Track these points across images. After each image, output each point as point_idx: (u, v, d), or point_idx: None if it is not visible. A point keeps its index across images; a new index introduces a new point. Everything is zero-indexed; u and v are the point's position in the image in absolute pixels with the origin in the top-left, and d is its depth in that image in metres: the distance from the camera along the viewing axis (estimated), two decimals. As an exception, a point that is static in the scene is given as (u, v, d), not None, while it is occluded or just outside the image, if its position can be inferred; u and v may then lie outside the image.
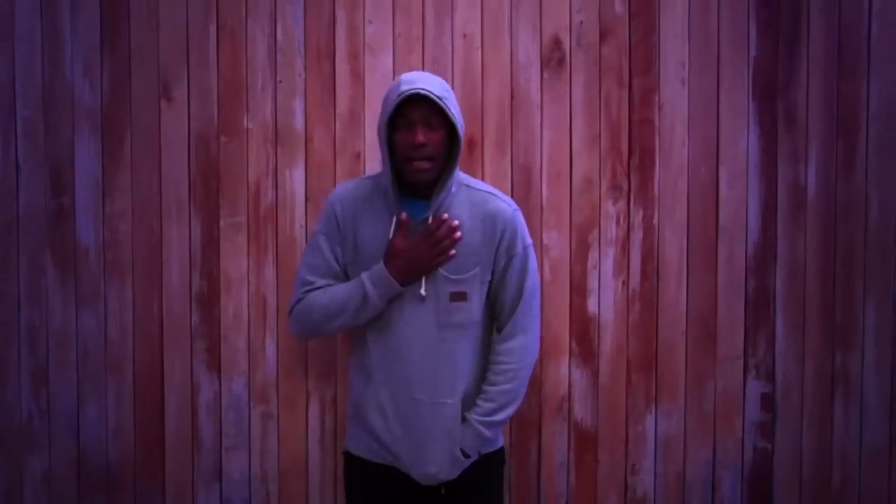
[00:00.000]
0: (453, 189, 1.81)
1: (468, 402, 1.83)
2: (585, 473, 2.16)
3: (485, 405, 1.81)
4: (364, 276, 1.78)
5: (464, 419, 1.81)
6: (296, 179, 2.11)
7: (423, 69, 2.10)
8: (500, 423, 1.84)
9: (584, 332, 2.15)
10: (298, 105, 2.11)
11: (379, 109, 2.11)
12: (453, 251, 1.78)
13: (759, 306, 2.16)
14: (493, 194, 1.86)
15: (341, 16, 2.11)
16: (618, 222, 2.14)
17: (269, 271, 2.11)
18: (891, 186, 2.17)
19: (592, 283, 2.15)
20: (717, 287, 2.16)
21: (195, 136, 2.11)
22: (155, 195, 2.11)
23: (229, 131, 2.11)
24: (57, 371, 2.12)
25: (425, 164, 1.74)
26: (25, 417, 2.12)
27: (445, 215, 1.78)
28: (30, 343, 2.12)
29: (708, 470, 2.17)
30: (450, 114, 1.73)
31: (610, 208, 2.14)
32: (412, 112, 1.73)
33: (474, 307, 1.82)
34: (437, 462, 1.79)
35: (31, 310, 2.12)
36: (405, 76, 1.76)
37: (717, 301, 2.16)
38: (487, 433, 1.82)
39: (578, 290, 2.15)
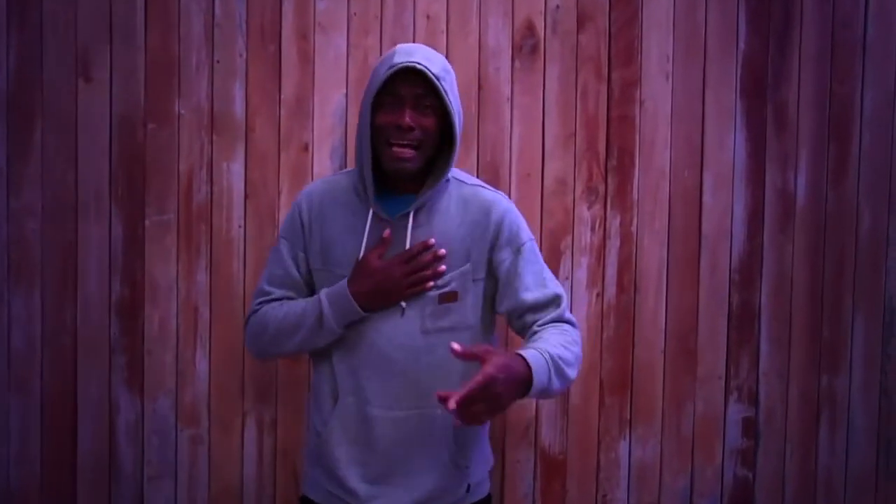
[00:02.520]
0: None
1: None
2: (553, 505, 2.07)
3: (559, 339, 1.53)
4: (323, 293, 1.60)
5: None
6: (234, 173, 1.99)
7: (380, 52, 1.98)
8: (569, 363, 1.51)
9: (554, 349, 2.02)
10: (238, 89, 1.98)
11: (331, 95, 2.07)
12: (431, 283, 1.58)
13: (742, 322, 2.10)
14: (484, 187, 1.68)
15: (289, -10, 1.99)
16: (593, 229, 2.05)
17: (202, 277, 1.98)
18: (884, 194, 2.13)
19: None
20: (698, 301, 2.08)
21: (118, 121, 1.98)
22: (70, 189, 1.97)
23: (158, 117, 1.98)
24: (-49, 389, 1.97)
25: (408, 152, 1.54)
26: (-88, 442, 1.97)
27: (432, 240, 1.58)
28: (-81, 356, 1.96)
29: (685, 499, 2.09)
30: (446, 97, 1.54)
31: (585, 213, 2.05)
32: (402, 88, 1.53)
33: (468, 308, 1.62)
34: (427, 475, 1.59)
35: (-80, 318, 1.96)
36: (401, 47, 1.56)
37: (699, 316, 2.09)
38: (566, 370, 1.50)
39: (549, 302, 2.02)
